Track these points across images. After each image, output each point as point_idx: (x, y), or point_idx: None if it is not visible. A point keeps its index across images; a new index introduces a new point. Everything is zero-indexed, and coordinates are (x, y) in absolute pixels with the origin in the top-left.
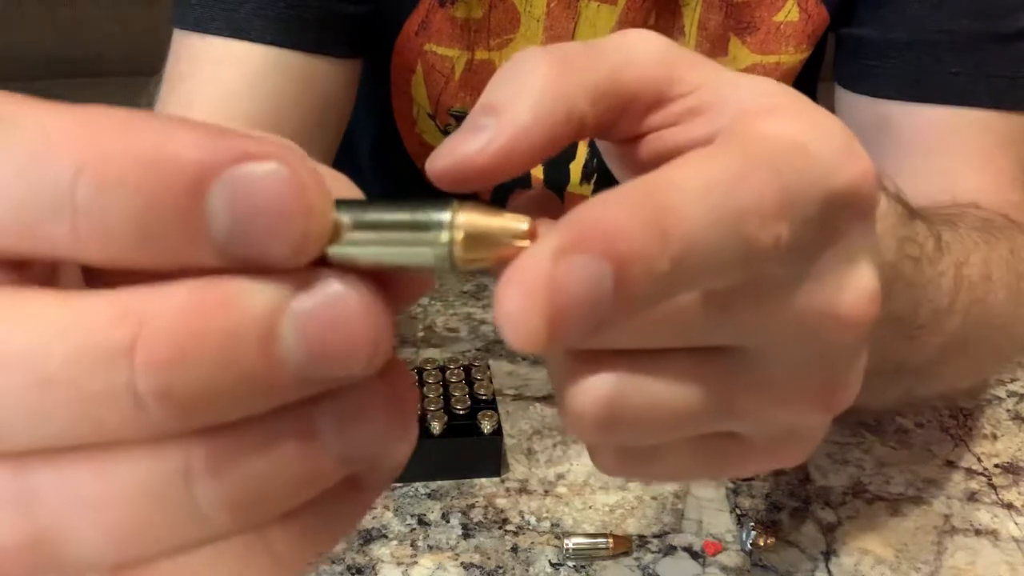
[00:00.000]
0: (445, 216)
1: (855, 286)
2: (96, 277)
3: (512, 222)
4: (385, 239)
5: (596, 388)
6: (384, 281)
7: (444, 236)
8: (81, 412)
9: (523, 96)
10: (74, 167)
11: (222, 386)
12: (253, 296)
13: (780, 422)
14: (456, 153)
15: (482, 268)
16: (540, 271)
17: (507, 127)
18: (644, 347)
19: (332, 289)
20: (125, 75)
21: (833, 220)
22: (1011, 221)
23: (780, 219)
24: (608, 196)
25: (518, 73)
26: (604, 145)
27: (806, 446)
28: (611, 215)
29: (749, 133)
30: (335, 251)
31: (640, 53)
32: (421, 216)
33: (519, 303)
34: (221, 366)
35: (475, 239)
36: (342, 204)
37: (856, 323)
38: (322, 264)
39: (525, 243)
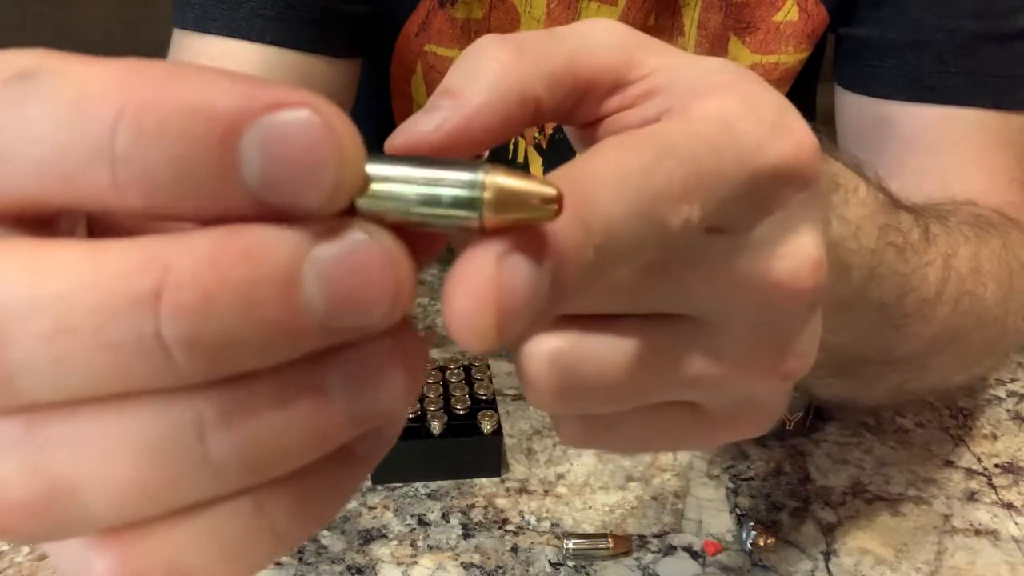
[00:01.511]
0: (477, 176)
1: (796, 254)
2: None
3: (541, 187)
4: (415, 194)
5: (547, 350)
6: (408, 234)
7: (475, 194)
8: (106, 360)
9: (478, 80)
10: (113, 115)
11: (246, 334)
12: (276, 243)
13: (736, 391)
14: (412, 131)
15: (508, 228)
16: (486, 276)
17: (461, 108)
18: (593, 312)
19: (355, 236)
20: None
21: (765, 193)
22: (1007, 218)
23: (689, 202)
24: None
25: (475, 58)
26: (568, 130)
27: (766, 416)
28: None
29: (682, 115)
30: (363, 203)
31: (599, 40)
32: (452, 174)
33: (468, 306)
34: (245, 313)
35: (505, 201)
36: (374, 157)
37: (799, 290)
38: (350, 215)
39: (552, 208)
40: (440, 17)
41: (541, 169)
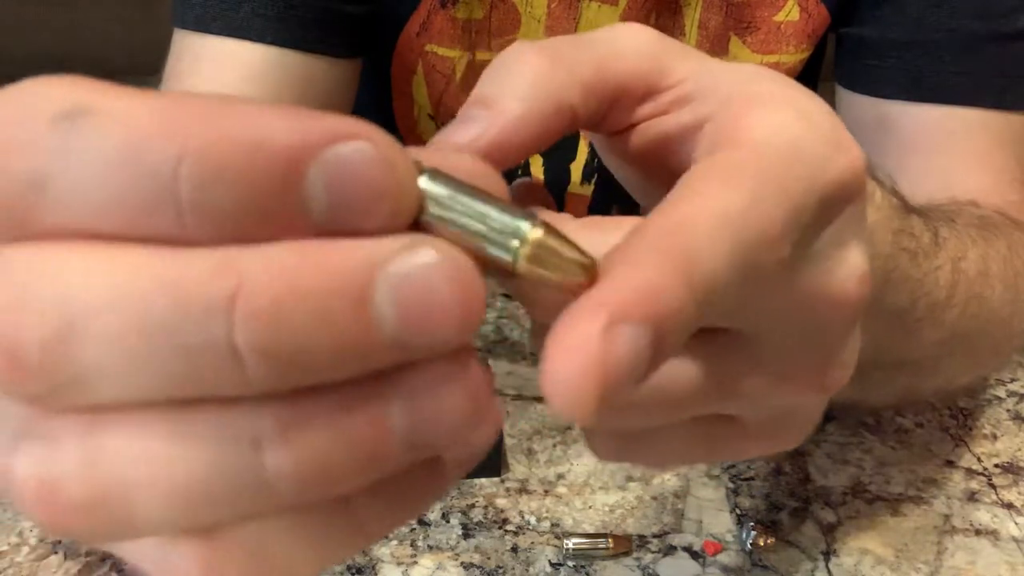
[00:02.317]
0: (523, 225)
1: (846, 268)
2: None
3: (579, 255)
4: (465, 224)
5: None
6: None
7: (515, 243)
8: (176, 364)
9: (514, 88)
10: (174, 158)
11: (316, 345)
12: (349, 257)
13: (776, 403)
14: (448, 143)
15: (538, 285)
16: (592, 350)
17: (498, 119)
18: None
19: (426, 254)
20: (125, 75)
21: (826, 212)
22: (1009, 219)
23: (785, 240)
24: (637, 250)
25: (509, 66)
26: (595, 137)
27: (802, 428)
28: (647, 276)
29: (744, 139)
30: (423, 219)
31: (629, 46)
32: (501, 216)
33: (571, 381)
34: (316, 324)
35: (542, 257)
36: (436, 176)
37: (848, 303)
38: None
39: (584, 276)
40: (441, 17)
41: (542, 168)
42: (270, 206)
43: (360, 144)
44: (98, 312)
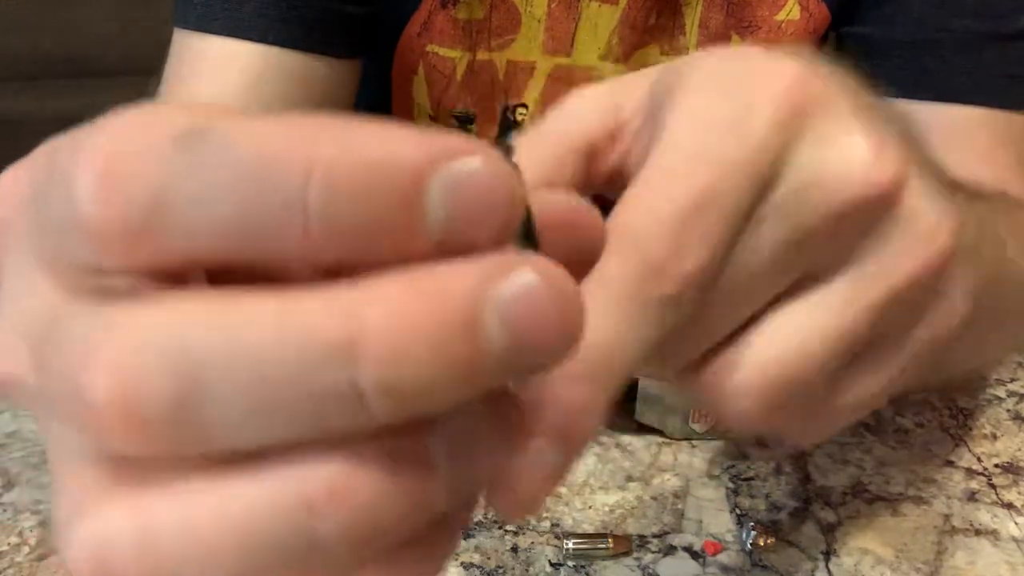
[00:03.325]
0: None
1: (838, 156)
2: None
3: None
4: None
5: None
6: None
7: None
8: (302, 410)
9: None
10: (303, 173)
11: (437, 376)
12: (460, 284)
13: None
14: None
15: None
16: (536, 484)
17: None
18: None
19: (529, 275)
20: (125, 75)
21: (777, 142)
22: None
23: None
24: (561, 379)
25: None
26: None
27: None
28: (565, 408)
29: (666, 143)
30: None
31: (586, 106)
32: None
33: (516, 504)
34: (434, 356)
35: None
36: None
37: (851, 185)
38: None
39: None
40: (442, 17)
41: None
42: (393, 220)
43: (476, 160)
44: (222, 367)
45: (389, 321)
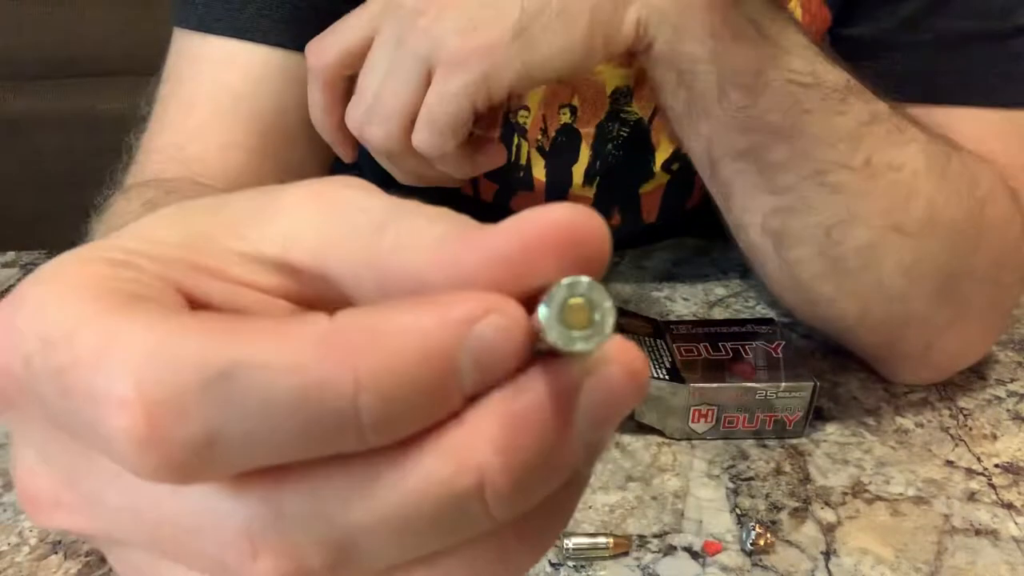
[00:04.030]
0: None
1: None
2: None
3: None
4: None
5: None
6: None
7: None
8: (445, 541)
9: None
10: (351, 394)
11: (544, 475)
12: (551, 412)
13: None
14: None
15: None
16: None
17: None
18: None
19: (607, 374)
20: (125, 75)
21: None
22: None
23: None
24: None
25: None
26: None
27: None
28: None
29: None
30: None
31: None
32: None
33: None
34: (542, 464)
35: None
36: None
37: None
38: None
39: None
40: None
41: (544, 171)
42: (434, 396)
43: (493, 319)
44: (369, 531)
45: (503, 460)
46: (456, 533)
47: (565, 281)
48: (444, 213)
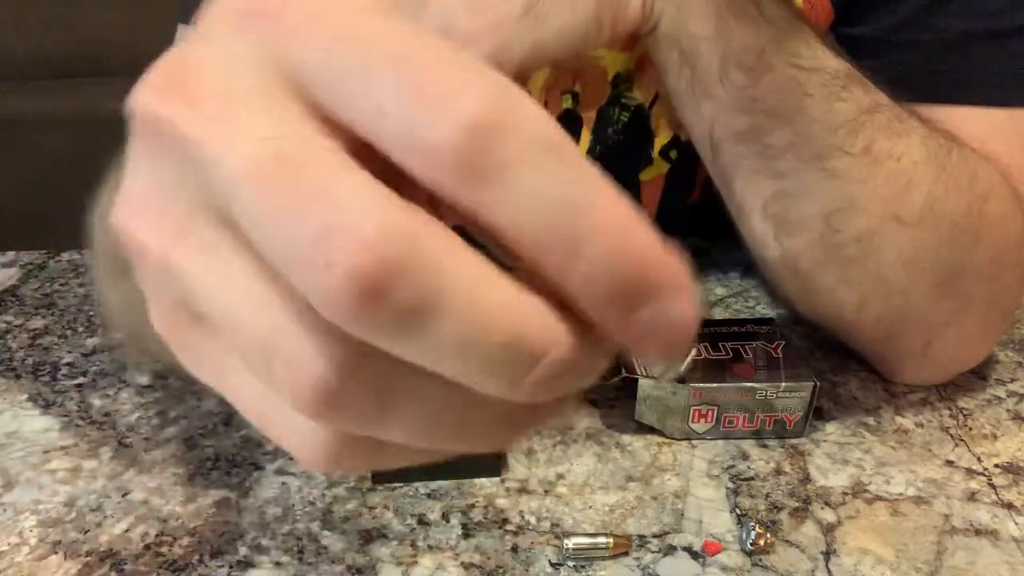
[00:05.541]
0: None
1: None
2: None
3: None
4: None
5: None
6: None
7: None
8: (469, 386)
9: None
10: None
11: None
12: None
13: None
14: None
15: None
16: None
17: None
18: None
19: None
20: (126, 75)
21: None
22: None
23: None
24: None
25: None
26: None
27: None
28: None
29: None
30: None
31: None
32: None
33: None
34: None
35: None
36: None
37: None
38: None
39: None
40: None
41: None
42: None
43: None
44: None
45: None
46: (482, 384)
47: None
48: None
